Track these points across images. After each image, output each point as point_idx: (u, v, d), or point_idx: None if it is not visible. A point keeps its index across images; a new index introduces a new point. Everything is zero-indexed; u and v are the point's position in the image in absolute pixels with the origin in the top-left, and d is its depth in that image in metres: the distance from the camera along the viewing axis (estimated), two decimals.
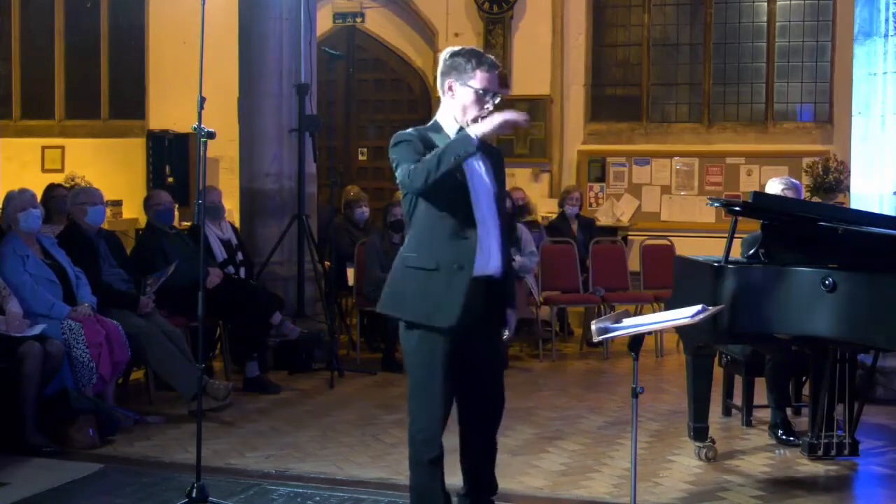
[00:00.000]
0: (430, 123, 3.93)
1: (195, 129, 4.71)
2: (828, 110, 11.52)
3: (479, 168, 3.88)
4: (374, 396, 7.09)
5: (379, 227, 8.63)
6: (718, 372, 6.07)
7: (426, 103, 12.80)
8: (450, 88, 3.84)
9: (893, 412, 6.51)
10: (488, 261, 3.84)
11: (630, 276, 9.14)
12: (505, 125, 3.69)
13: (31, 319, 5.87)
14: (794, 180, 6.12)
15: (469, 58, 3.82)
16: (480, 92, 3.81)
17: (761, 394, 6.06)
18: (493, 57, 3.90)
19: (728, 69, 11.92)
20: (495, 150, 4.05)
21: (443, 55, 3.90)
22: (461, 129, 3.85)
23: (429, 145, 3.76)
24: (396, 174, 3.80)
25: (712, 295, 4.83)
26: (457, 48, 3.90)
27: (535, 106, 11.99)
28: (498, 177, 3.96)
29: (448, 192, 3.74)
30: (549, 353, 8.55)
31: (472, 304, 3.78)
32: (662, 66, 12.15)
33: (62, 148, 13.62)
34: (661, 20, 12.17)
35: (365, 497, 4.83)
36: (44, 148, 13.62)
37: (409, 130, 3.84)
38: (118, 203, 11.97)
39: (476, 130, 3.68)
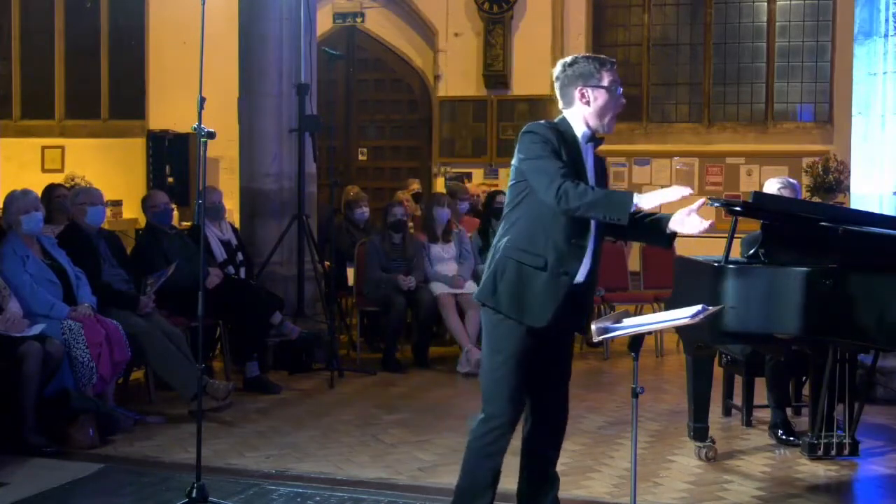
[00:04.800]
0: (558, 119, 3.94)
1: (195, 129, 4.71)
2: (828, 110, 11.53)
3: (593, 173, 3.94)
4: (374, 396, 7.09)
5: (379, 228, 8.63)
6: (718, 372, 6.07)
7: (426, 103, 12.81)
8: (582, 95, 3.86)
9: (893, 412, 6.51)
10: (587, 267, 3.89)
11: (630, 276, 9.14)
12: (670, 200, 3.67)
13: (31, 319, 5.87)
14: (791, 180, 6.11)
15: (589, 61, 3.88)
16: (613, 88, 3.86)
17: (761, 394, 6.06)
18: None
19: (728, 69, 11.93)
20: (600, 158, 4.07)
21: (560, 67, 3.92)
22: (592, 135, 3.89)
23: (561, 139, 3.80)
24: (523, 165, 3.79)
25: (712, 295, 4.82)
26: (567, 59, 3.93)
27: (535, 106, 12.01)
28: (601, 183, 4.00)
29: None
30: None
31: (564, 308, 3.82)
32: (662, 66, 12.16)
33: (62, 148, 13.64)
34: (661, 20, 12.19)
35: (365, 497, 4.83)
36: (44, 148, 13.64)
37: (542, 123, 3.87)
38: (118, 203, 11.98)
39: (642, 201, 3.65)
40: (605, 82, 3.86)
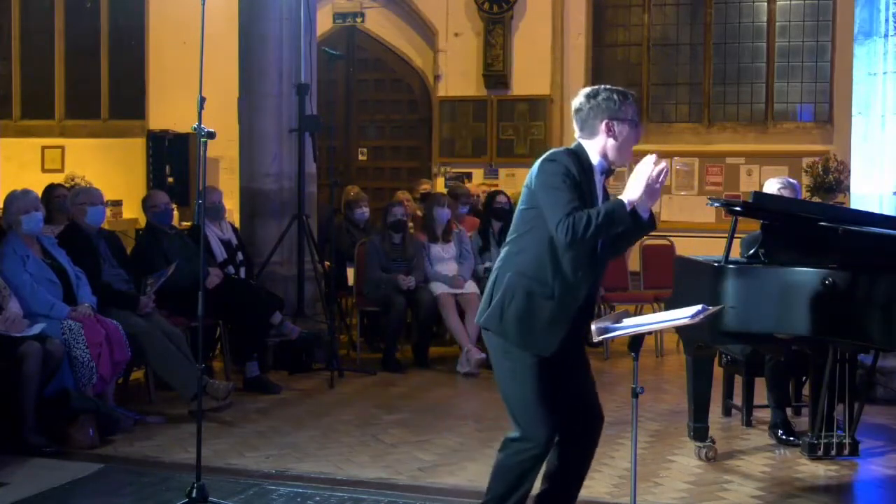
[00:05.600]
0: (574, 146, 3.91)
1: (195, 129, 4.71)
2: (828, 110, 11.52)
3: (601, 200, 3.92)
4: (374, 396, 7.09)
5: (379, 228, 8.63)
6: (718, 372, 6.07)
7: (426, 103, 12.81)
8: (609, 129, 3.84)
9: (893, 412, 6.51)
10: (592, 289, 3.88)
11: (630, 276, 9.14)
12: (648, 174, 3.67)
13: (31, 319, 5.87)
14: (791, 180, 6.12)
15: (613, 94, 3.87)
16: (635, 121, 3.87)
17: (761, 394, 6.06)
18: None
19: (728, 69, 11.92)
20: (606, 191, 4.05)
21: (583, 99, 3.89)
22: (608, 168, 3.89)
23: (581, 169, 3.79)
24: (539, 191, 3.76)
25: (712, 295, 4.83)
26: (588, 90, 3.91)
27: (535, 106, 12.01)
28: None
29: None
30: None
31: (570, 332, 3.82)
32: (662, 66, 12.16)
33: (62, 148, 13.63)
34: (661, 20, 12.18)
35: (365, 497, 4.83)
36: (44, 148, 13.63)
37: (563, 151, 3.85)
38: (118, 203, 11.97)
39: (631, 197, 3.67)
40: (629, 115, 3.86)
